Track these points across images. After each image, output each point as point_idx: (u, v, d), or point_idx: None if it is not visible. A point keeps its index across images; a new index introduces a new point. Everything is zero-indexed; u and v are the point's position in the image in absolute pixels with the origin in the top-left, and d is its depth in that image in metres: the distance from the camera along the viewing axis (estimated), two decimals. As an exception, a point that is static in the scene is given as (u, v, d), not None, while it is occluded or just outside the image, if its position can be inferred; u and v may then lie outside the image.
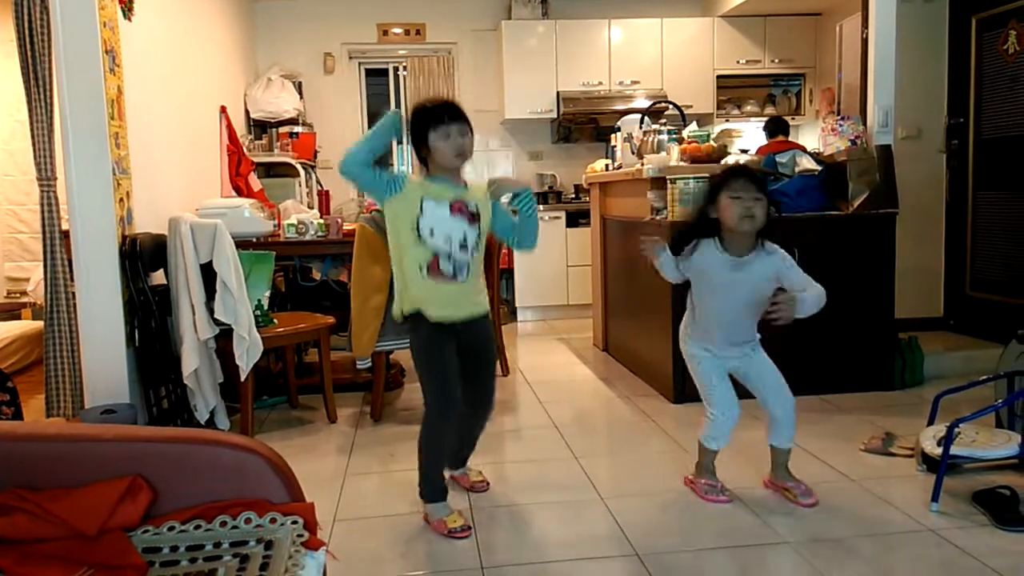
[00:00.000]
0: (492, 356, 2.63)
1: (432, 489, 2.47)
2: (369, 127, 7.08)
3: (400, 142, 2.48)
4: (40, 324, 3.90)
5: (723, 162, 3.68)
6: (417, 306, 2.37)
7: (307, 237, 4.06)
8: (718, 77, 6.50)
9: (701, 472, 2.63)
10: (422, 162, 2.40)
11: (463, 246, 2.34)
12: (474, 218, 2.36)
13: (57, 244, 3.24)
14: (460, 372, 2.42)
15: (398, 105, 6.78)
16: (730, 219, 2.35)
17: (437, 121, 2.30)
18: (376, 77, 6.84)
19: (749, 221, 2.33)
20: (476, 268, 2.41)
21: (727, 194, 2.35)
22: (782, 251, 2.43)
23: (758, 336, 2.54)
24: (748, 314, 2.47)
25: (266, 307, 3.58)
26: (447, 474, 2.63)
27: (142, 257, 3.25)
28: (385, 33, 6.58)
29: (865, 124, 3.92)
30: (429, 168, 2.38)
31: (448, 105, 2.34)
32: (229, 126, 5.01)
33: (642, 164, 3.96)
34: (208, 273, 3.28)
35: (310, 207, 5.26)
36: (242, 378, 3.27)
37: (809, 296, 2.33)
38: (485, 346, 2.52)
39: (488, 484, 2.74)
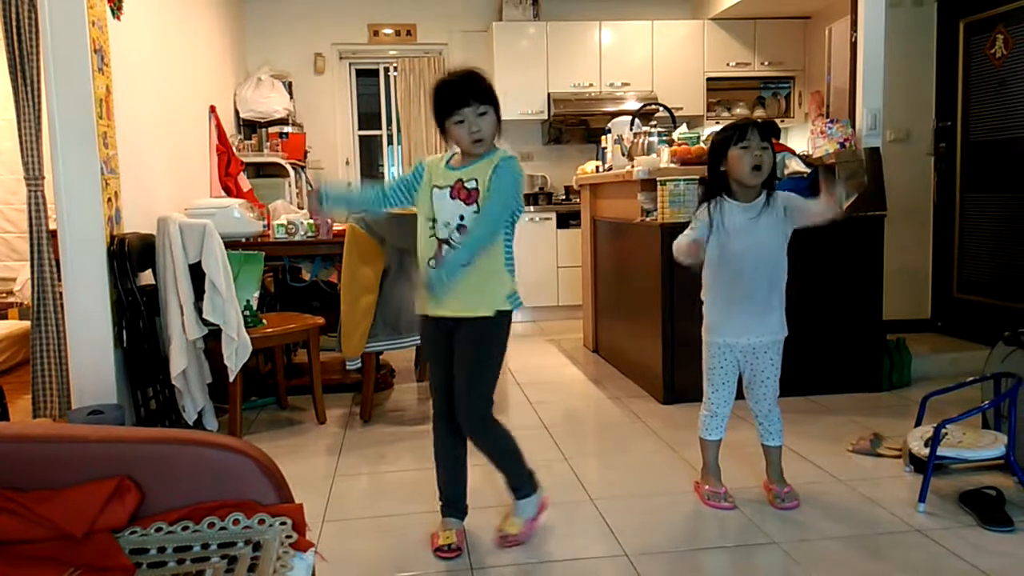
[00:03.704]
0: (472, 355, 2.20)
1: (440, 499, 2.40)
2: (360, 128, 7.05)
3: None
4: (27, 324, 3.88)
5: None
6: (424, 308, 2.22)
7: (297, 237, 4.05)
8: (708, 79, 6.51)
9: (706, 474, 2.61)
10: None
11: (460, 228, 2.15)
12: (471, 196, 2.14)
13: (44, 244, 3.22)
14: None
15: (388, 106, 6.77)
16: (741, 170, 2.37)
17: (450, 107, 2.10)
18: (366, 77, 6.83)
19: (757, 172, 2.36)
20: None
21: (735, 146, 2.37)
22: (783, 194, 2.46)
23: (783, 332, 2.50)
24: (766, 269, 2.44)
25: (255, 307, 3.57)
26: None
27: (130, 257, 3.24)
28: (376, 34, 6.57)
29: (854, 127, 3.94)
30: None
31: (464, 83, 2.12)
32: (219, 126, 4.99)
33: (632, 166, 3.97)
34: (197, 273, 3.26)
35: (300, 207, 5.25)
36: (231, 379, 3.26)
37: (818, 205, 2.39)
38: (472, 344, 2.19)
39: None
